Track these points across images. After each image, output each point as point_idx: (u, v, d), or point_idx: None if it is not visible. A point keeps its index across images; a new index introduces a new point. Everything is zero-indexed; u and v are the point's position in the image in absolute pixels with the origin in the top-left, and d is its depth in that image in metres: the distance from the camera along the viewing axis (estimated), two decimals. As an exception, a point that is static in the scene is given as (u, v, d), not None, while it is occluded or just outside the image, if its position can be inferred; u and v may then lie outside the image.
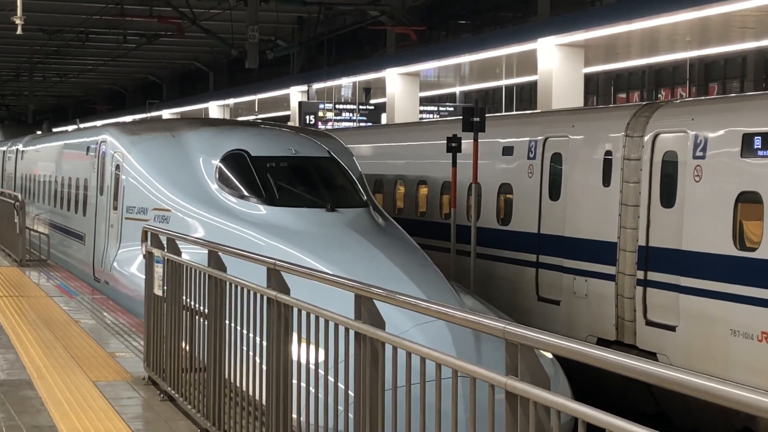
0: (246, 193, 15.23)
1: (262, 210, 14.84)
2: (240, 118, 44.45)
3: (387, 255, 13.31)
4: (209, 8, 30.81)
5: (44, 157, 27.46)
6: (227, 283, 8.00)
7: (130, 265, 15.84)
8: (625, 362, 3.61)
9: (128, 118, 51.19)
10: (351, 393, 5.83)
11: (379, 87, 35.28)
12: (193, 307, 8.88)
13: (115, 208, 17.01)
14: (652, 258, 14.33)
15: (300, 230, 14.15)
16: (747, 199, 12.94)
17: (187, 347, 8.95)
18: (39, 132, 48.22)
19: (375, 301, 5.68)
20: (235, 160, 15.72)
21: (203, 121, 22.97)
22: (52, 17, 36.86)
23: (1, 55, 49.05)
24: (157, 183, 16.08)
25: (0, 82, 61.32)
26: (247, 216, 14.76)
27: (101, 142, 18.68)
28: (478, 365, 4.62)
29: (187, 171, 15.89)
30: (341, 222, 14.49)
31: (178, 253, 9.58)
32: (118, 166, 17.27)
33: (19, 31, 22.47)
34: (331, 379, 6.14)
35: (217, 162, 15.76)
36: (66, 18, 37.21)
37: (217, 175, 15.60)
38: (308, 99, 38.22)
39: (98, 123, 26.44)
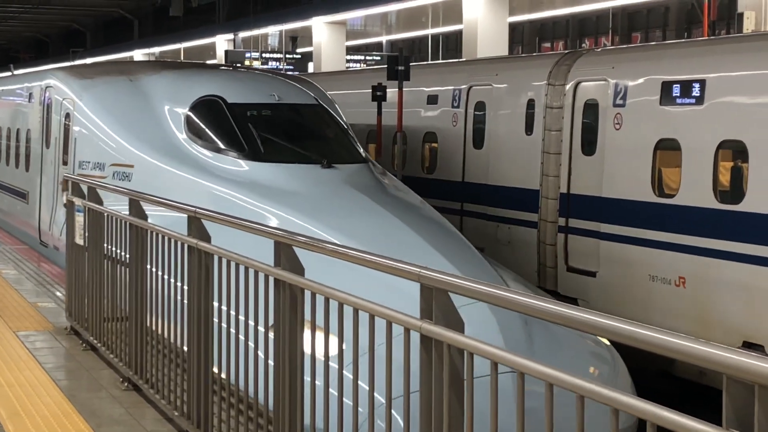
0: (223, 146, 13.08)
1: (243, 166, 12.76)
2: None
3: (404, 221, 11.33)
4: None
5: None
6: (148, 232, 7.91)
7: None
8: (544, 306, 3.63)
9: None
10: (271, 335, 5.75)
11: (306, 36, 35.16)
12: (114, 256, 8.81)
13: (65, 163, 14.77)
14: (573, 205, 14.47)
15: (292, 190, 12.06)
16: (666, 146, 13.08)
17: (109, 296, 8.89)
18: None
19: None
20: (208, 107, 13.57)
21: (164, 64, 20.16)
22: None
23: None
24: (116, 135, 13.84)
25: None
26: (227, 173, 12.63)
27: (46, 87, 16.29)
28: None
29: (151, 121, 13.69)
30: (340, 180, 12.47)
31: (100, 202, 9.46)
32: (67, 115, 14.91)
33: None
34: (251, 323, 6.00)
35: (186, 110, 13.59)
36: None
37: (187, 126, 13.44)
38: (234, 48, 37.95)
39: (36, 69, 23.20)
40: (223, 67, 21.40)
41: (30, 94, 17.89)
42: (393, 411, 4.44)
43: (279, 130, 13.70)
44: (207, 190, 12.27)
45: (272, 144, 13.28)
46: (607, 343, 9.96)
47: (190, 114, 13.52)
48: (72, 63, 46.43)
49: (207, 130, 13.39)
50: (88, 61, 52.38)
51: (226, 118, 13.34)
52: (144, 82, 14.51)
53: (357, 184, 12.36)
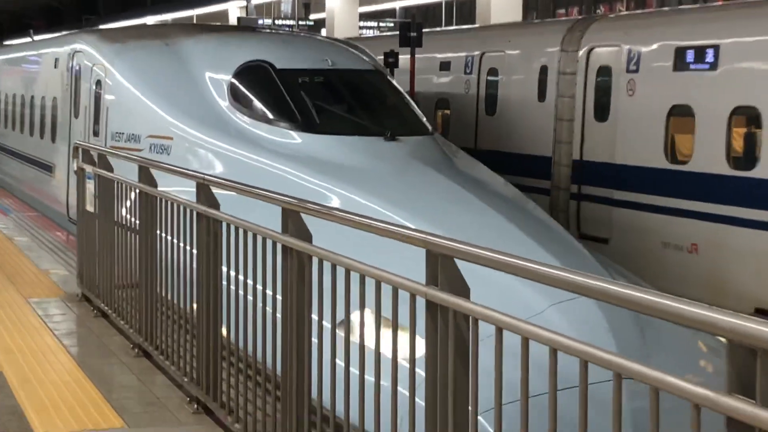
0: (273, 116, 11.67)
1: (296, 138, 11.31)
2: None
3: (489, 203, 9.84)
4: None
5: (2, 73, 22.81)
6: (158, 199, 7.82)
7: None
8: (551, 272, 3.57)
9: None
10: (279, 307, 5.58)
11: (320, 2, 34.97)
12: (125, 223, 8.79)
13: (96, 134, 13.39)
14: (585, 172, 14.44)
15: (353, 166, 10.69)
16: (679, 113, 13.04)
17: (120, 264, 8.89)
18: None
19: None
20: (254, 73, 12.06)
21: (201, 27, 18.18)
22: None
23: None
24: (153, 104, 12.40)
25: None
26: (278, 146, 11.23)
27: (74, 53, 14.82)
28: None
29: (191, 89, 12.22)
30: (406, 154, 11.04)
31: (110, 169, 9.43)
32: (98, 83, 13.51)
33: None
34: (259, 287, 5.83)
35: (230, 77, 12.09)
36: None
37: (231, 94, 11.96)
38: (247, 14, 37.84)
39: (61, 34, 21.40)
40: (266, 30, 19.73)
41: (56, 60, 16.34)
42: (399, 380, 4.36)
43: (334, 98, 12.26)
44: (255, 164, 10.95)
45: (328, 114, 11.80)
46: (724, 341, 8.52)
47: (234, 81, 12.07)
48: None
49: (254, 98, 12.02)
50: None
51: (275, 85, 11.88)
52: (182, 46, 13.03)
53: (426, 159, 10.96)
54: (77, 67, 14.56)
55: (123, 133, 12.50)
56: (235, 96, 11.93)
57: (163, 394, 7.22)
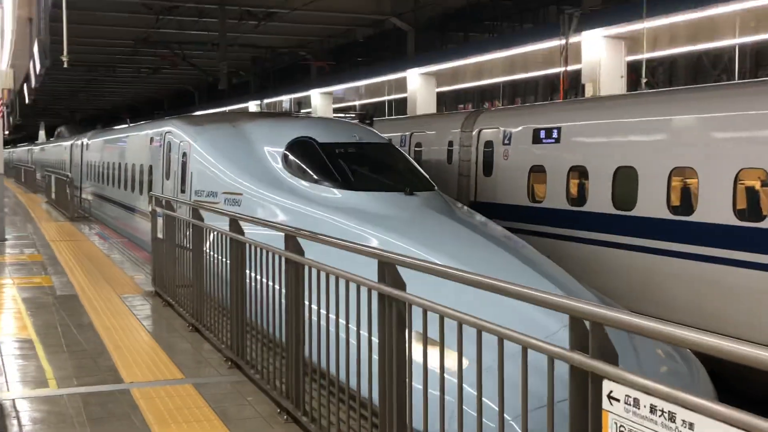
0: (317, 177, 10.40)
1: (337, 194, 10.03)
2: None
3: (498, 244, 8.43)
4: (194, 50, 30.26)
5: (109, 147, 21.03)
6: (247, 245, 6.31)
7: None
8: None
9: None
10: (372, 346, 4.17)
11: (307, 102, 35.00)
12: (181, 244, 8.72)
13: (183, 191, 12.11)
14: (477, 209, 14.49)
15: (386, 214, 9.34)
16: (537, 170, 13.13)
17: (179, 271, 8.83)
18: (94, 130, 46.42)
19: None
20: (302, 146, 10.93)
21: (254, 113, 15.70)
22: (91, 57, 35.82)
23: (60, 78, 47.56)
24: (226, 169, 11.20)
25: (62, 98, 59.31)
26: (323, 199, 9.98)
27: (166, 132, 13.60)
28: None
29: (254, 158, 11.07)
30: (424, 205, 9.74)
31: (173, 209, 9.33)
32: (184, 154, 12.30)
33: (65, 65, 20.77)
34: (352, 327, 4.37)
35: (282, 149, 10.96)
36: (99, 57, 36.22)
37: (284, 161, 10.81)
38: (261, 109, 37.73)
39: (155, 121, 19.11)
40: (305, 116, 17.03)
41: (151, 138, 14.91)
42: None
43: (363, 163, 10.86)
44: (308, 214, 9.57)
45: (360, 175, 10.53)
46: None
47: (287, 152, 10.91)
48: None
49: (302, 164, 10.71)
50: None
51: (318, 155, 10.72)
52: (245, 127, 11.90)
53: (436, 208, 9.73)
54: (168, 143, 13.34)
55: (204, 191, 11.35)
56: (287, 162, 10.79)
57: (209, 355, 7.17)
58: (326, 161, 10.58)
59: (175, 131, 13.18)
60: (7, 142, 73.83)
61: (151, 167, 14.71)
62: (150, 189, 14.01)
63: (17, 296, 10.02)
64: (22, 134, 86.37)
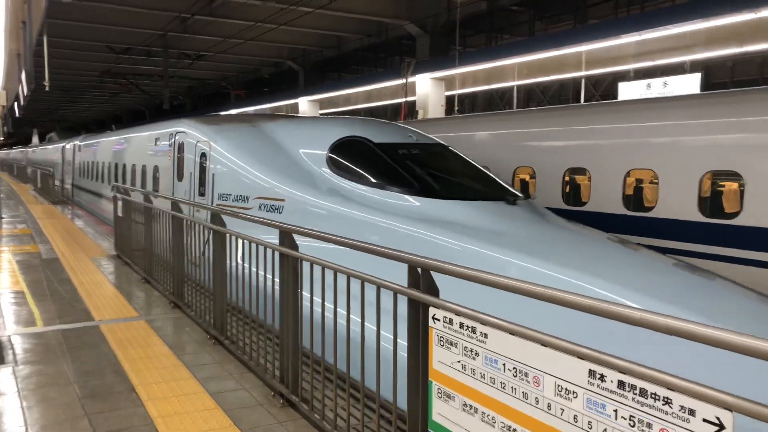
0: (377, 181, 5.97)
1: (413, 202, 5.65)
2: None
3: (630, 250, 5.01)
4: (144, 80, 28.68)
5: (102, 149, 15.75)
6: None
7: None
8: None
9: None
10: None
11: (295, 107, 33.44)
12: (137, 220, 8.28)
13: (202, 194, 7.78)
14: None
15: (501, 231, 5.12)
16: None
17: (134, 238, 8.44)
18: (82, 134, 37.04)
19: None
20: (354, 147, 6.53)
21: (269, 115, 8.75)
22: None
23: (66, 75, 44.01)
24: (258, 171, 6.83)
25: (44, 112, 54.90)
26: (398, 209, 5.60)
27: (177, 132, 8.96)
28: None
29: (292, 160, 6.78)
30: (536, 218, 5.58)
31: (128, 194, 8.73)
32: (203, 155, 7.86)
33: (46, 88, 18.70)
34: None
35: (325, 152, 6.58)
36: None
37: (329, 163, 6.45)
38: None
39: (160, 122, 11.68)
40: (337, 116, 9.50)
41: (156, 139, 10.24)
42: None
43: (432, 167, 6.28)
44: (386, 227, 5.40)
45: (439, 180, 6.03)
46: None
47: (331, 154, 6.51)
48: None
49: (355, 167, 6.32)
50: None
51: (379, 157, 6.33)
52: (263, 127, 7.64)
53: (556, 222, 5.66)
54: (179, 143, 8.78)
55: (230, 194, 7.11)
56: (333, 164, 6.44)
57: (156, 294, 6.93)
58: (390, 163, 6.22)
59: (188, 131, 8.70)
60: (2, 146, 69.64)
61: (155, 167, 10.27)
62: (156, 189, 10.24)
63: (12, 259, 9.37)
64: (13, 140, 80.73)
